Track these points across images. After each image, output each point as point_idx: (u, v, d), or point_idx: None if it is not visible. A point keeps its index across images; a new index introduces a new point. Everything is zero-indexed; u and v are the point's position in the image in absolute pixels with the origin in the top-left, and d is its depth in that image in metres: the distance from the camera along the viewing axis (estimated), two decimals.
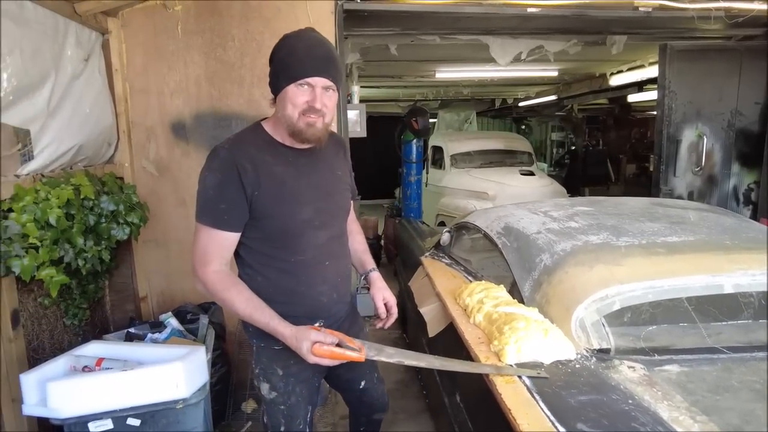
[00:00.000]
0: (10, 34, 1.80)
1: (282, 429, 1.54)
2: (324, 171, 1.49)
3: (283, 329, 1.30)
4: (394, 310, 1.65)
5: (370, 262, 1.73)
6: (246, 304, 1.31)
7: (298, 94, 1.32)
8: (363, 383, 1.75)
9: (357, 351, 1.30)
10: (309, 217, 1.42)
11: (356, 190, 1.76)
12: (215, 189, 1.32)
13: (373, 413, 1.86)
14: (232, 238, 1.36)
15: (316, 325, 1.37)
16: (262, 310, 1.31)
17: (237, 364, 2.94)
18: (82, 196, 2.14)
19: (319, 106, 1.33)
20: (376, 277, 1.69)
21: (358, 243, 1.75)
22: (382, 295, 1.64)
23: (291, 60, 1.31)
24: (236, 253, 1.43)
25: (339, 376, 1.70)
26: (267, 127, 1.44)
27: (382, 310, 1.63)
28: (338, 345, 1.29)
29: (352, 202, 1.68)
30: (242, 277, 1.42)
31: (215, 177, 1.32)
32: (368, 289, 1.72)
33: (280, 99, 1.36)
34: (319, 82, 1.32)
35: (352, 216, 1.72)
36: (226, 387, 2.75)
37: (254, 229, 1.38)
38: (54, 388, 1.64)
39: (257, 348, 1.52)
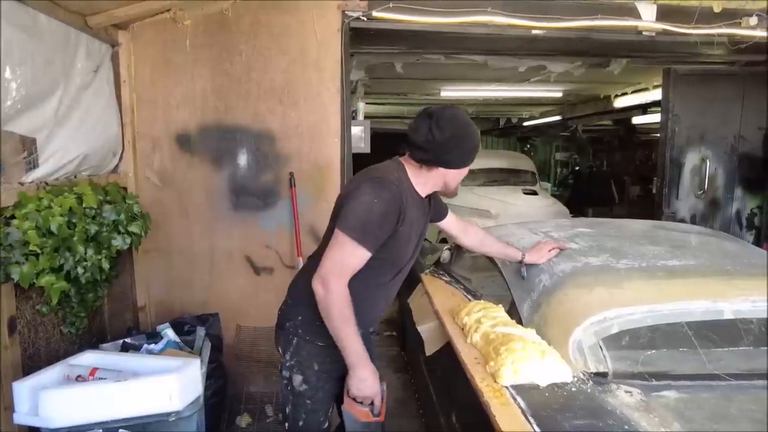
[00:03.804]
0: (23, 46, 1.84)
1: (300, 424, 1.66)
2: (425, 220, 1.76)
3: (366, 361, 1.51)
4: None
5: (516, 251, 1.98)
6: (352, 327, 1.47)
7: (465, 173, 1.68)
8: None
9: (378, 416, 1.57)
10: (411, 254, 1.70)
11: (446, 206, 2.00)
12: (379, 216, 1.50)
13: None
14: (367, 259, 1.51)
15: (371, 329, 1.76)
16: (357, 338, 1.49)
17: (233, 377, 2.92)
18: (84, 205, 2.15)
19: None
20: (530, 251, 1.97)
21: (492, 240, 2.06)
22: (543, 251, 1.93)
23: (473, 152, 1.64)
24: None
25: None
26: (409, 174, 1.64)
27: (555, 250, 1.94)
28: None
29: (450, 212, 1.99)
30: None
31: (383, 207, 1.50)
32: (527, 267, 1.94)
33: (453, 169, 1.63)
34: None
35: (460, 223, 2.05)
36: (222, 400, 2.72)
37: (378, 251, 1.55)
38: (46, 397, 1.63)
39: (299, 342, 1.63)
